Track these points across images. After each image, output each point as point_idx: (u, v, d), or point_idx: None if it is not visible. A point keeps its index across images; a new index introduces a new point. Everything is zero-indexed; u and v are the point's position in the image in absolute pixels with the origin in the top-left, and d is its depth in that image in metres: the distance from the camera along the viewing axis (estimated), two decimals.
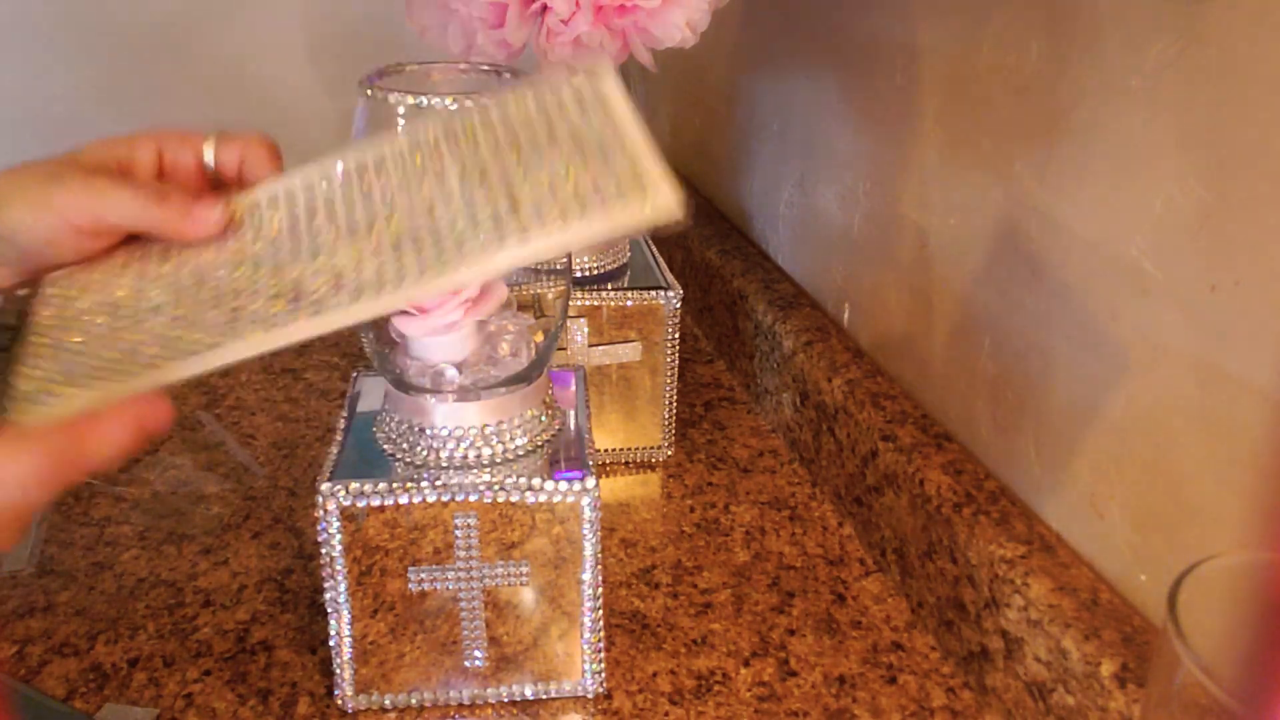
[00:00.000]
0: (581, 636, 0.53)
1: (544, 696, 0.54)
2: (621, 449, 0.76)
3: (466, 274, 0.38)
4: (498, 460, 0.51)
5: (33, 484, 0.34)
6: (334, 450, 0.52)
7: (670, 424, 0.76)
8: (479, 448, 0.51)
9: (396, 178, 0.42)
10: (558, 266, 0.55)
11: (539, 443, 0.52)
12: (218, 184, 0.44)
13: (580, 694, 0.54)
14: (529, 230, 0.38)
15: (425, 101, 0.46)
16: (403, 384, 0.51)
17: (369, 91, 0.47)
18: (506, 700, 0.54)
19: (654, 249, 0.79)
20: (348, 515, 0.49)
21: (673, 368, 0.74)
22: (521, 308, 0.54)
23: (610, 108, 0.40)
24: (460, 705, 0.54)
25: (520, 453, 0.52)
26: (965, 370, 0.61)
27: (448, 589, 0.51)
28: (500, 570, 0.51)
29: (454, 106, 0.45)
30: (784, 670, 0.57)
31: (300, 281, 0.39)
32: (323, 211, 0.41)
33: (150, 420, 0.37)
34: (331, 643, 0.52)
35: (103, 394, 0.38)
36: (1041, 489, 0.55)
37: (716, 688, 0.55)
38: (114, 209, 0.40)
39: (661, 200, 0.38)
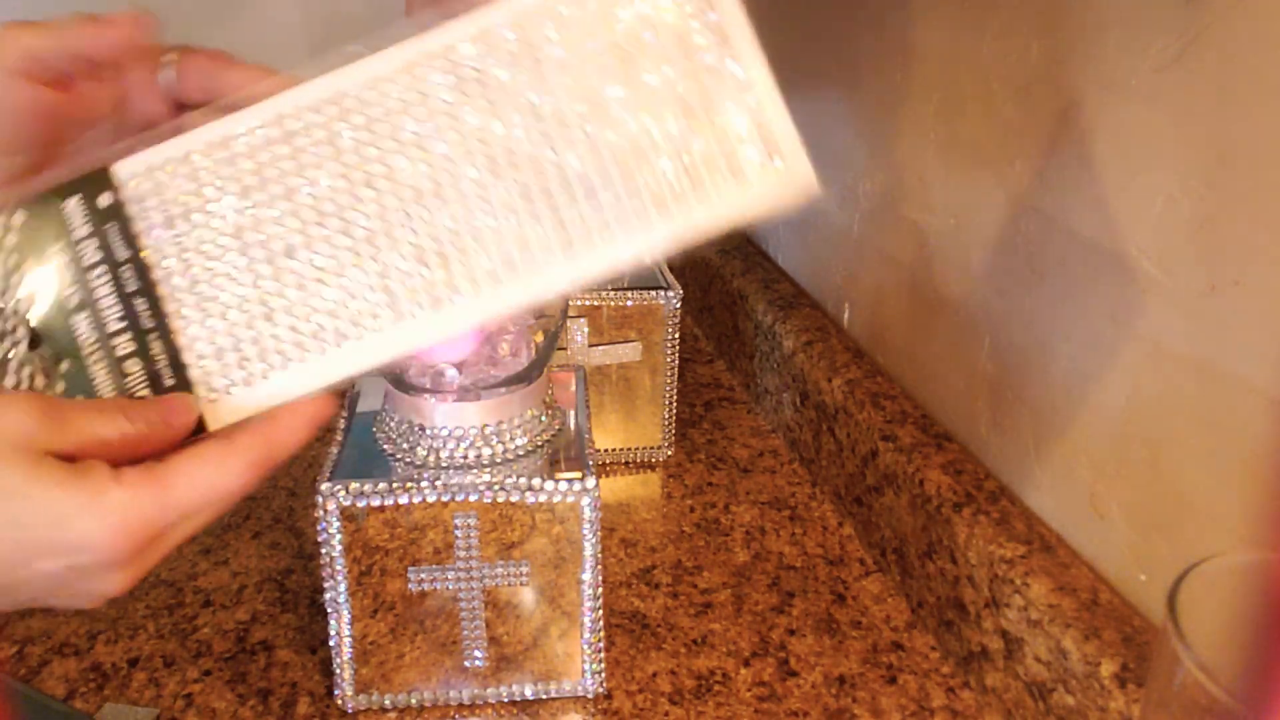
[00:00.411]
0: (581, 636, 0.53)
1: (544, 696, 0.54)
2: (621, 449, 0.76)
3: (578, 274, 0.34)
4: (498, 460, 0.51)
5: (238, 496, 0.34)
6: (334, 450, 0.52)
7: (670, 424, 0.76)
8: (479, 448, 0.51)
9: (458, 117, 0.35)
10: None
11: (539, 443, 0.52)
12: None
13: (580, 694, 0.54)
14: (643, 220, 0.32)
15: None
16: (403, 384, 0.51)
17: None
18: (506, 700, 0.54)
19: None
20: (348, 515, 0.49)
21: (673, 368, 0.74)
22: None
23: (726, 29, 0.33)
24: (460, 705, 0.54)
25: (520, 453, 0.52)
26: (965, 370, 0.61)
27: (448, 589, 0.51)
28: (500, 570, 0.51)
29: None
30: (784, 670, 0.57)
31: (440, 238, 0.35)
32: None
33: (326, 413, 0.36)
34: (331, 643, 0.52)
35: (303, 381, 0.36)
36: (1041, 489, 0.55)
37: (716, 688, 0.55)
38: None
39: (797, 176, 0.33)
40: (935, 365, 0.65)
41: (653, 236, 0.35)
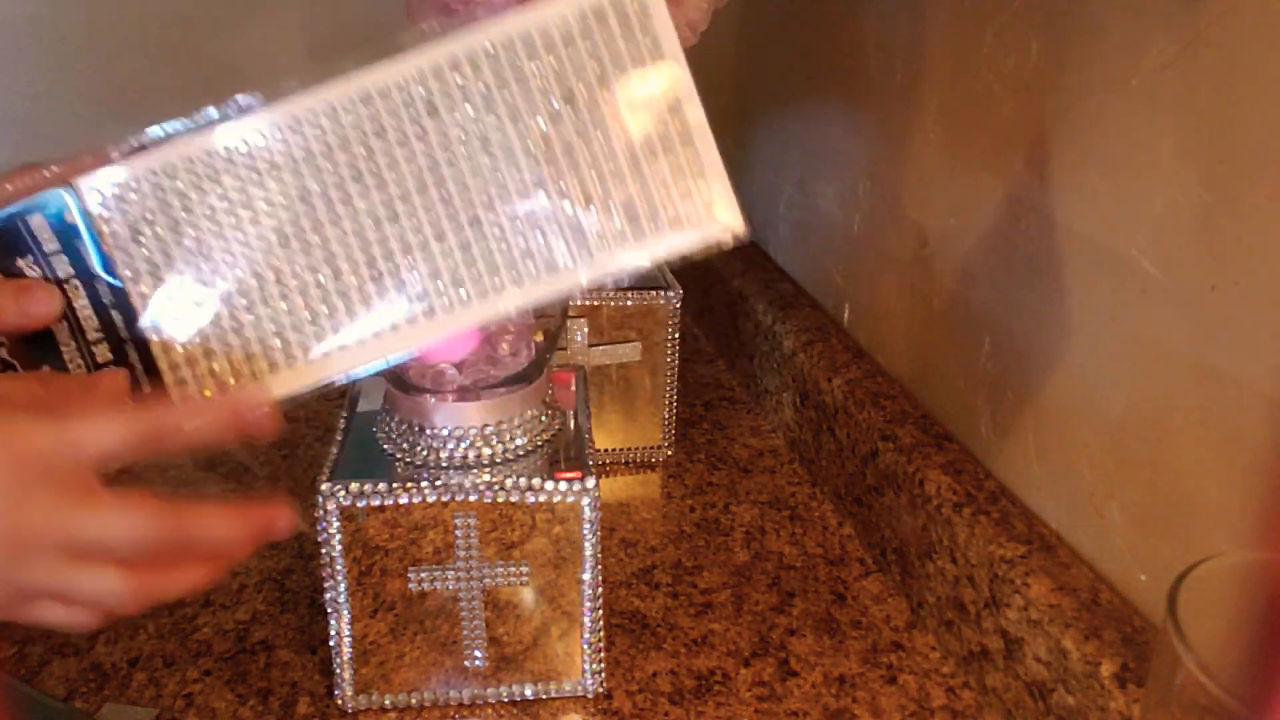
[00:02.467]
0: (581, 636, 0.53)
1: (544, 696, 0.54)
2: (621, 449, 0.76)
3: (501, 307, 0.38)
4: (498, 460, 0.51)
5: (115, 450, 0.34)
6: (334, 450, 0.52)
7: (670, 424, 0.76)
8: (479, 448, 0.51)
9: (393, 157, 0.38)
10: None
11: (539, 443, 0.52)
12: None
13: (580, 694, 0.54)
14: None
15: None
16: (403, 384, 0.51)
17: None
18: (506, 700, 0.54)
19: None
20: (348, 515, 0.49)
21: (673, 368, 0.74)
22: None
23: (665, 78, 0.37)
24: (460, 705, 0.54)
25: (520, 453, 0.52)
26: (965, 370, 0.61)
27: (448, 589, 0.51)
28: (500, 570, 0.51)
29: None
30: (784, 670, 0.57)
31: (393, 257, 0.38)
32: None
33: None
34: (331, 643, 0.52)
35: (273, 390, 0.38)
36: (1041, 489, 0.55)
37: (716, 688, 0.55)
38: None
39: (727, 227, 0.37)
40: (935, 365, 0.65)
41: (586, 274, 0.39)
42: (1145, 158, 0.46)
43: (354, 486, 0.49)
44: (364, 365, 0.39)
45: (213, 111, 0.38)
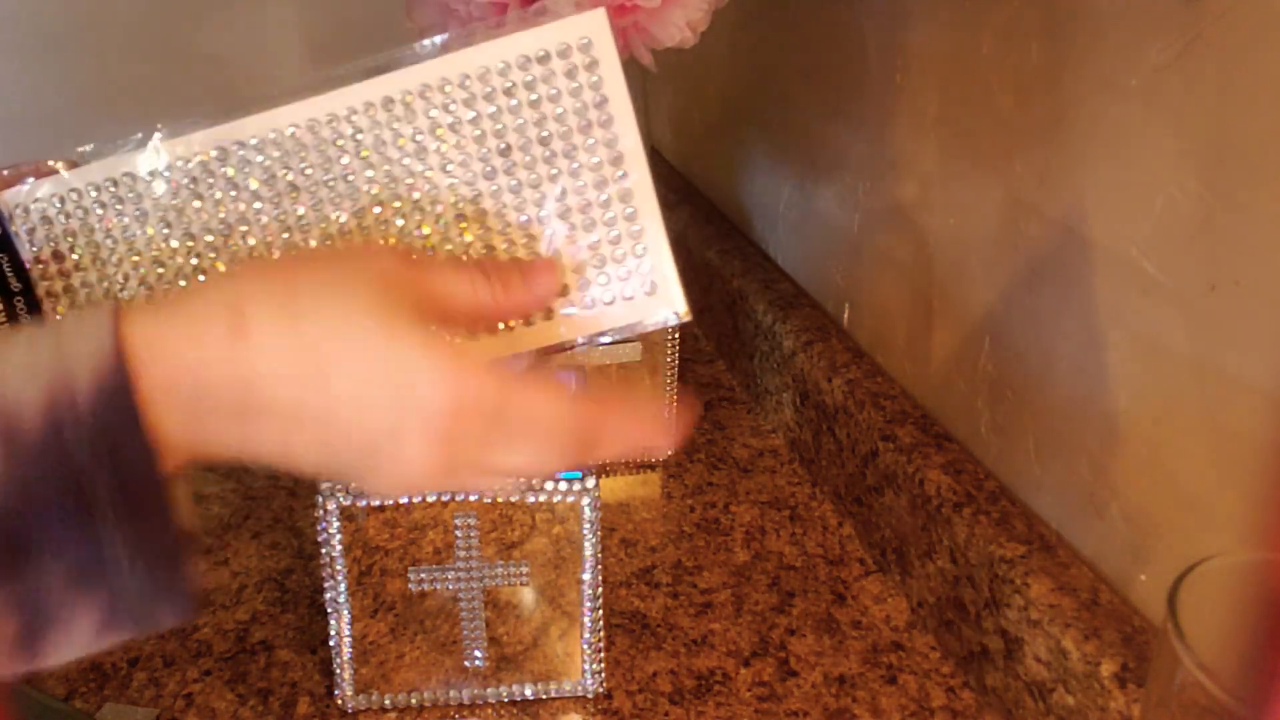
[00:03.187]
0: (581, 636, 0.53)
1: (544, 696, 0.54)
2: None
3: None
4: None
5: (554, 440, 0.34)
6: None
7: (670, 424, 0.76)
8: None
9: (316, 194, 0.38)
10: None
11: None
12: None
13: (580, 694, 0.54)
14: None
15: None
16: None
17: None
18: (506, 700, 0.54)
19: None
20: (348, 515, 0.49)
21: (673, 368, 0.74)
22: None
23: (618, 146, 0.37)
24: (460, 705, 0.54)
25: None
26: (965, 370, 0.61)
27: (448, 589, 0.51)
28: (500, 570, 0.51)
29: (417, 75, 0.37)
30: (784, 670, 0.57)
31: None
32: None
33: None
34: (331, 643, 0.52)
35: None
36: (1041, 489, 0.55)
37: (716, 688, 0.55)
38: None
39: (672, 306, 0.38)
40: (935, 365, 0.65)
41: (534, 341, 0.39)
42: (1145, 158, 0.46)
43: (354, 486, 0.49)
44: None
45: (134, 137, 0.38)
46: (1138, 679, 0.44)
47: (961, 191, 0.60)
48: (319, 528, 0.50)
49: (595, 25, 0.37)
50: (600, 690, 0.54)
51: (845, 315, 0.78)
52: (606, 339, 0.39)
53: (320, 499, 0.49)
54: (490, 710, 0.54)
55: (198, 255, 0.38)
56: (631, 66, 0.65)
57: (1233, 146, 0.41)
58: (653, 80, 1.21)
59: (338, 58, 0.38)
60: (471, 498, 0.50)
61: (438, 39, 0.37)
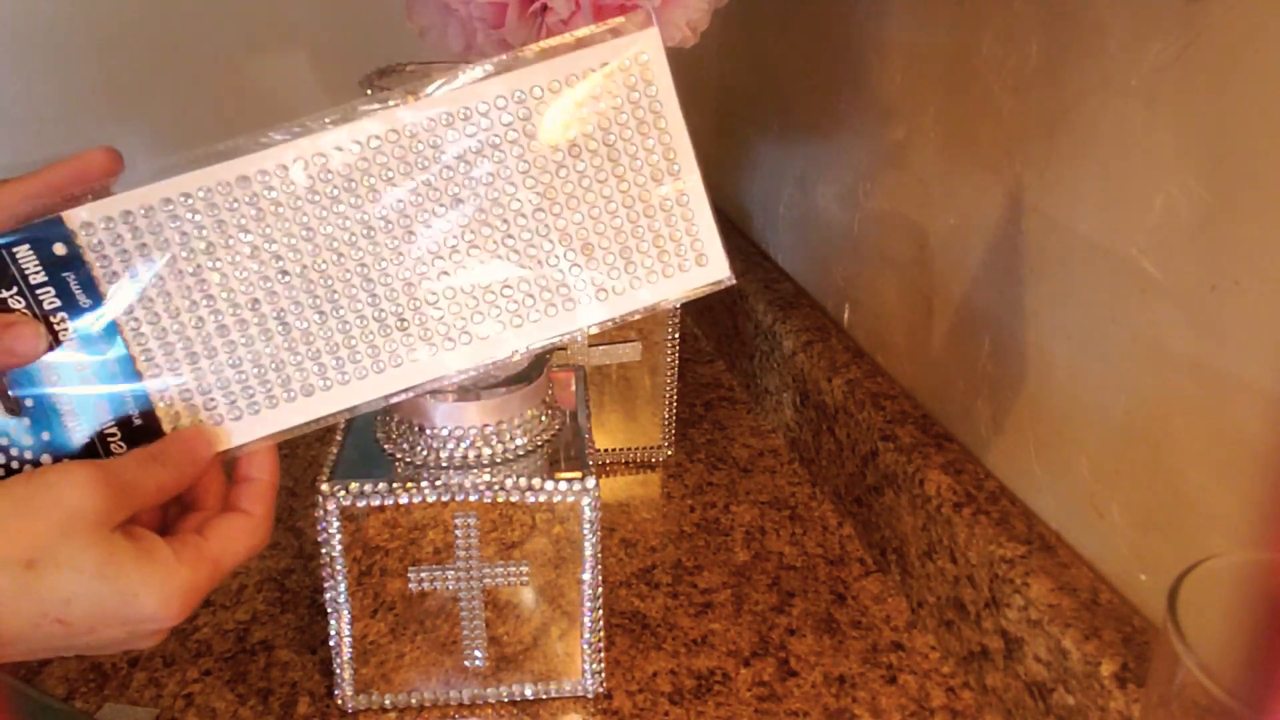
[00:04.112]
0: (581, 636, 0.53)
1: (544, 696, 0.54)
2: (621, 449, 0.76)
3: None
4: (498, 460, 0.51)
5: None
6: (334, 450, 0.52)
7: (670, 424, 0.76)
8: (479, 448, 0.51)
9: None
10: None
11: (539, 443, 0.52)
12: None
13: (580, 694, 0.54)
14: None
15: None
16: None
17: (369, 92, 0.47)
18: (506, 700, 0.54)
19: None
20: (348, 515, 0.49)
21: (673, 368, 0.74)
22: None
23: (670, 150, 0.40)
24: (460, 705, 0.54)
25: (520, 453, 0.52)
26: (965, 370, 0.61)
27: (448, 589, 0.51)
28: (500, 570, 0.51)
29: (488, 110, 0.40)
30: (784, 670, 0.57)
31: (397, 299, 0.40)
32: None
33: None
34: (331, 643, 0.52)
35: (268, 427, 0.40)
36: (1041, 489, 0.55)
37: (716, 688, 0.55)
38: None
39: (717, 275, 0.43)
40: (935, 365, 0.65)
41: (586, 317, 0.43)
42: (1145, 158, 0.46)
43: (354, 486, 0.49)
44: (363, 404, 0.41)
45: (219, 145, 0.38)
46: (1138, 679, 0.44)
47: (961, 191, 0.60)
48: (319, 528, 0.50)
49: (648, 41, 0.40)
50: (600, 690, 0.54)
51: (845, 315, 0.78)
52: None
53: (320, 499, 0.49)
54: (490, 710, 0.54)
55: (279, 269, 0.39)
56: None
57: (1233, 146, 0.41)
58: None
59: (339, 58, 0.38)
60: (471, 498, 0.50)
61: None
